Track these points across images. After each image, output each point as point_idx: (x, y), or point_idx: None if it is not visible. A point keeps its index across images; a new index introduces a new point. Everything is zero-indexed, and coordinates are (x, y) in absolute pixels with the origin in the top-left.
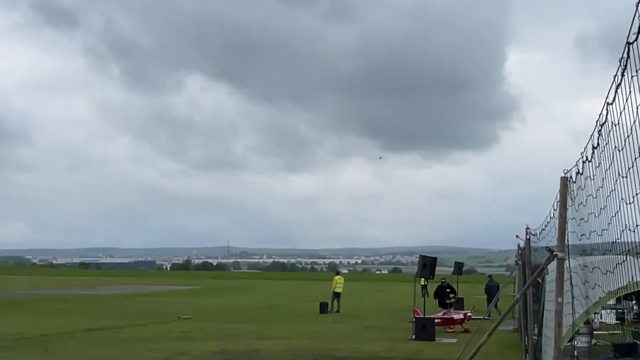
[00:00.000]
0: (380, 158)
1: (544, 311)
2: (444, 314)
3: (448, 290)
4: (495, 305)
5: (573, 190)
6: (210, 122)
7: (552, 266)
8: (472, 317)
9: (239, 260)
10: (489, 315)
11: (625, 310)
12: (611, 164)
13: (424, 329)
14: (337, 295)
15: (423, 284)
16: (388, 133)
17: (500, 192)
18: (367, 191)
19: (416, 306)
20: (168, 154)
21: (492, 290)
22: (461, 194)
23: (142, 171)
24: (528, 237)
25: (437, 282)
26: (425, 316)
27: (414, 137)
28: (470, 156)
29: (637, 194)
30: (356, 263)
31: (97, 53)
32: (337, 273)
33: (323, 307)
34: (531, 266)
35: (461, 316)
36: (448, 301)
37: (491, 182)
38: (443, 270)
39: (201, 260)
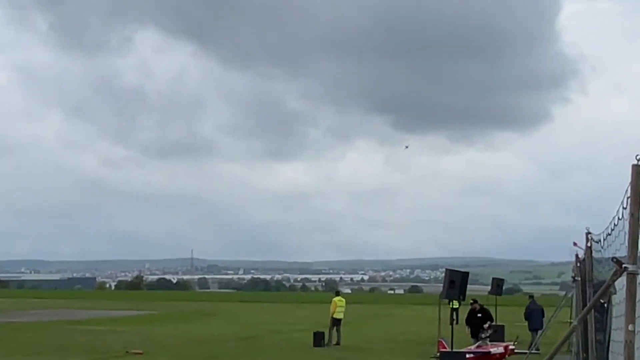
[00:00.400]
0: (407, 147)
1: (610, 342)
2: (478, 346)
3: (480, 315)
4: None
5: None
6: (168, 93)
7: (621, 283)
8: (516, 350)
9: (206, 276)
10: (537, 349)
11: None
12: None
13: None
14: (336, 322)
15: (454, 307)
16: (404, 108)
17: (553, 186)
18: (377, 185)
19: (441, 337)
20: (112, 135)
21: (534, 315)
22: (501, 188)
23: (78, 159)
24: (589, 244)
25: (469, 304)
26: (454, 350)
27: (438, 114)
28: (512, 138)
29: None
30: (362, 280)
31: (17, 1)
32: (337, 293)
33: (318, 338)
34: (593, 283)
35: (501, 350)
36: (483, 335)
37: (541, 173)
38: (477, 289)
39: (157, 277)
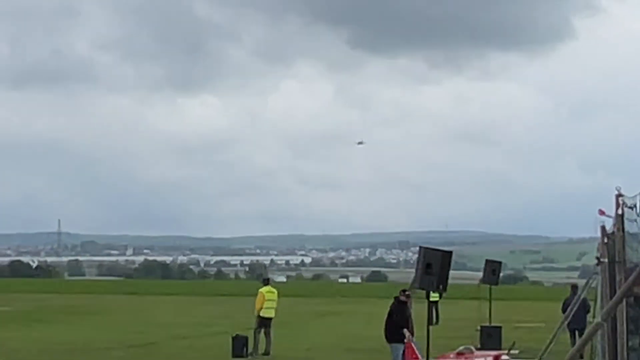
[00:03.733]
0: (360, 144)
1: None
2: (459, 354)
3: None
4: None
5: None
6: None
7: None
8: None
9: (80, 258)
10: (581, 357)
11: None
12: None
13: None
14: (265, 322)
15: (433, 299)
16: (364, 17)
17: (573, 131)
18: (325, 128)
19: (410, 340)
20: None
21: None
22: (500, 134)
23: None
24: (621, 211)
25: (455, 298)
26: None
27: (414, 26)
28: (518, 62)
29: None
30: (302, 263)
31: None
32: (266, 282)
33: (239, 345)
34: (625, 267)
35: None
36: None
37: (556, 112)
38: (464, 275)
39: (8, 259)
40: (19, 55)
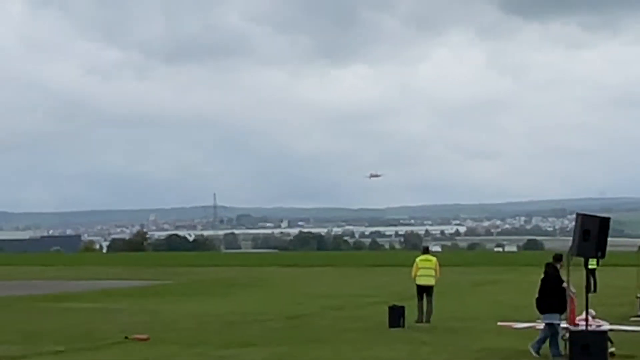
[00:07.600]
0: (375, 176)
1: None
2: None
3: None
4: None
5: None
6: None
7: None
8: None
9: (235, 231)
10: None
11: None
12: None
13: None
14: (422, 290)
15: (591, 267)
16: None
17: None
18: (477, 96)
19: (570, 291)
20: (99, 32)
21: None
22: None
23: (49, 67)
24: None
25: (614, 265)
26: (591, 329)
27: None
28: None
29: None
30: (457, 233)
31: None
32: (426, 250)
33: (396, 315)
34: None
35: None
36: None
37: None
38: (622, 242)
39: (166, 233)
40: (172, 30)
